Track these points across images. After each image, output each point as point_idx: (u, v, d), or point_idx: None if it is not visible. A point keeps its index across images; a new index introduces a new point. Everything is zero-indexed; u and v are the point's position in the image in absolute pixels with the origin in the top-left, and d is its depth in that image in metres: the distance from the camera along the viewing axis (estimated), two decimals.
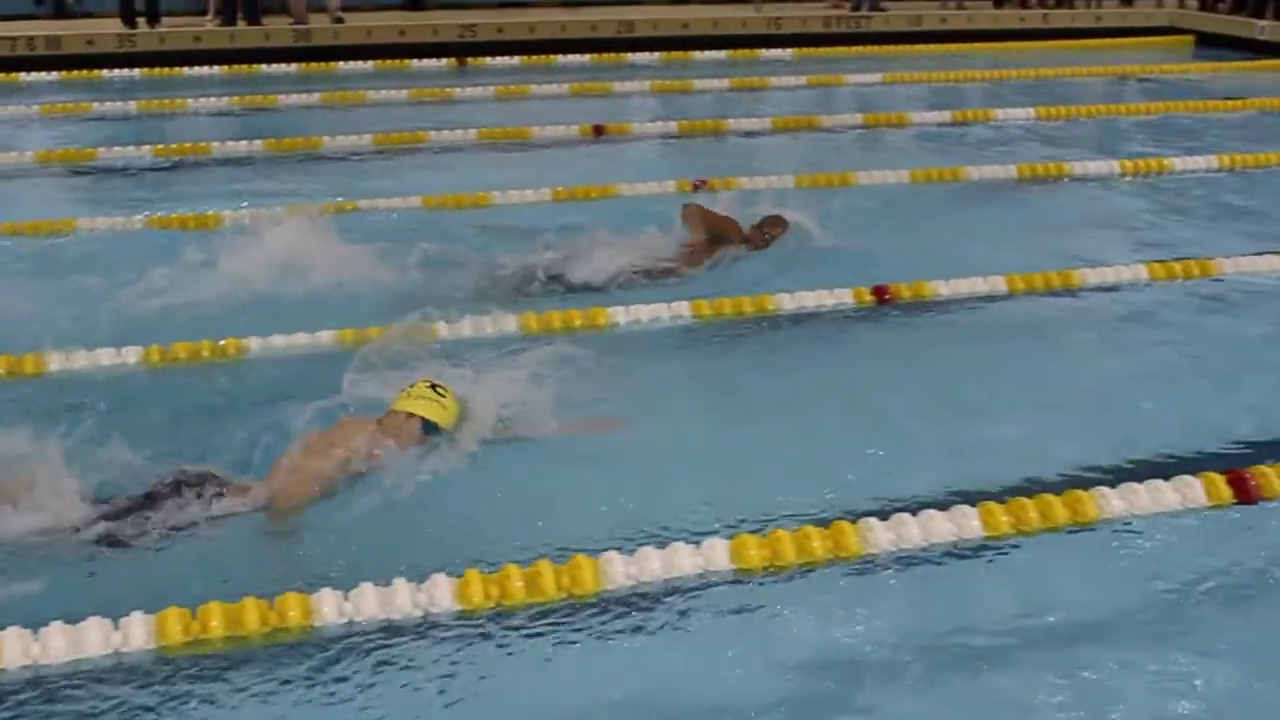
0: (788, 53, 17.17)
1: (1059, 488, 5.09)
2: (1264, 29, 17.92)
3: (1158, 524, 4.97)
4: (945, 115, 12.91)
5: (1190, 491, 5.09)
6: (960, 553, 4.73)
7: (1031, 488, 5.14)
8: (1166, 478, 5.13)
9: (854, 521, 4.74)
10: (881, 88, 14.99)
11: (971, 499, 4.94)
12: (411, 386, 5.39)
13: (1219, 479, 5.15)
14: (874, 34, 18.22)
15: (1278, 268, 8.11)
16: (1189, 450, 5.62)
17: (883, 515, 4.79)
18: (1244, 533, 5.00)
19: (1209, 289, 7.83)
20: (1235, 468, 5.24)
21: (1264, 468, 5.24)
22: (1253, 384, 6.42)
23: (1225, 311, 7.55)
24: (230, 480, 5.01)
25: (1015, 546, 4.81)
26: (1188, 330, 7.34)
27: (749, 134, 12.17)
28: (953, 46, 17.62)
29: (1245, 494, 5.13)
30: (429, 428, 5.28)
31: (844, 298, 7.37)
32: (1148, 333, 7.29)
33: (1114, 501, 4.98)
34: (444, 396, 5.36)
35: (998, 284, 7.61)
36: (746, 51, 17.12)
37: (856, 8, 18.82)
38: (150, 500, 4.87)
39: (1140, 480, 5.11)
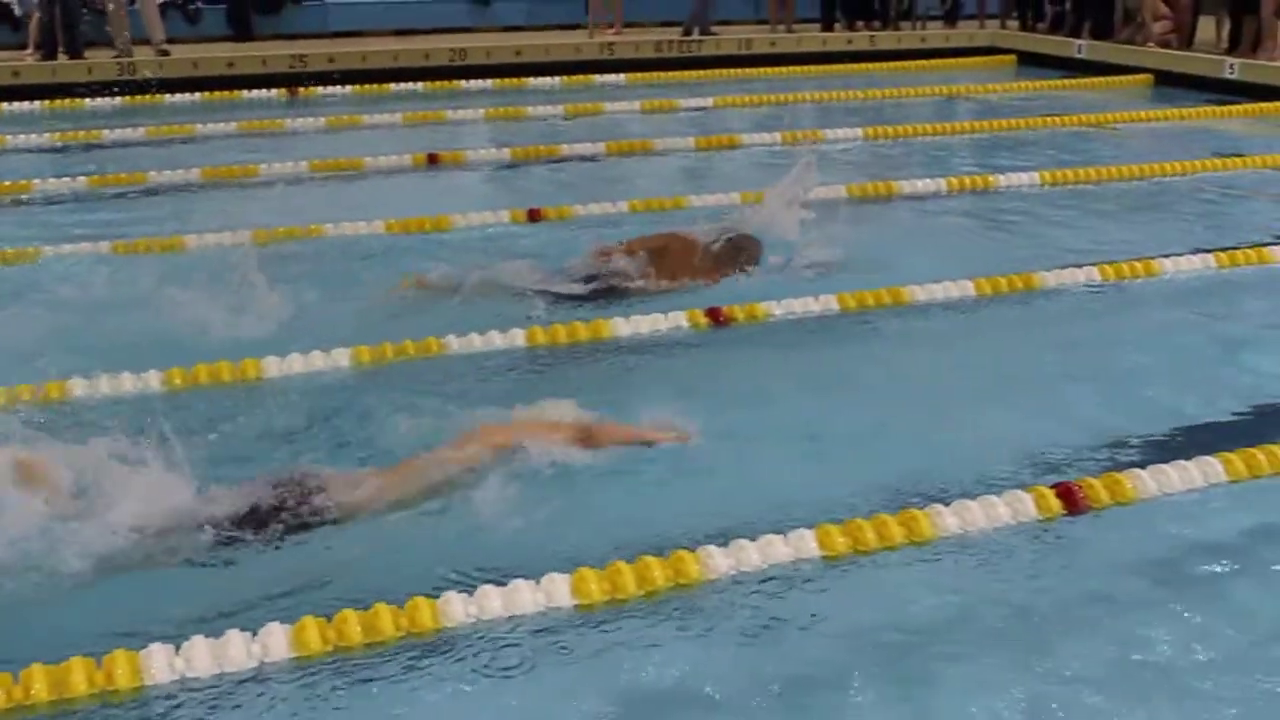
0: (621, 78, 17.24)
1: (894, 507, 5.15)
2: (1081, 48, 18.46)
3: (993, 539, 5.05)
4: (775, 137, 13.07)
5: (1021, 505, 5.18)
6: (799, 576, 4.75)
7: (869, 508, 5.18)
8: (999, 493, 5.23)
9: (693, 550, 4.73)
10: (713, 111, 15.14)
11: (808, 522, 4.96)
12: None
13: (1048, 492, 5.25)
14: (705, 58, 18.39)
15: (1097, 279, 8.32)
16: (1022, 464, 5.72)
17: (722, 541, 4.79)
18: (1075, 543, 5.10)
19: (1034, 302, 8.01)
20: (1064, 480, 5.36)
21: (1091, 479, 5.37)
22: (1079, 395, 6.56)
23: (1050, 324, 7.73)
24: (333, 478, 5.04)
25: (854, 567, 4.84)
26: (1014, 343, 7.49)
27: (583, 160, 12.19)
28: (783, 69, 17.86)
29: (1074, 505, 5.24)
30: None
31: (679, 321, 7.38)
32: (977, 348, 7.42)
33: (948, 519, 5.06)
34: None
35: (830, 303, 7.70)
36: (580, 77, 17.17)
37: (687, 32, 18.98)
38: (258, 502, 4.89)
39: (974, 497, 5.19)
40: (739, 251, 8.15)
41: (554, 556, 4.73)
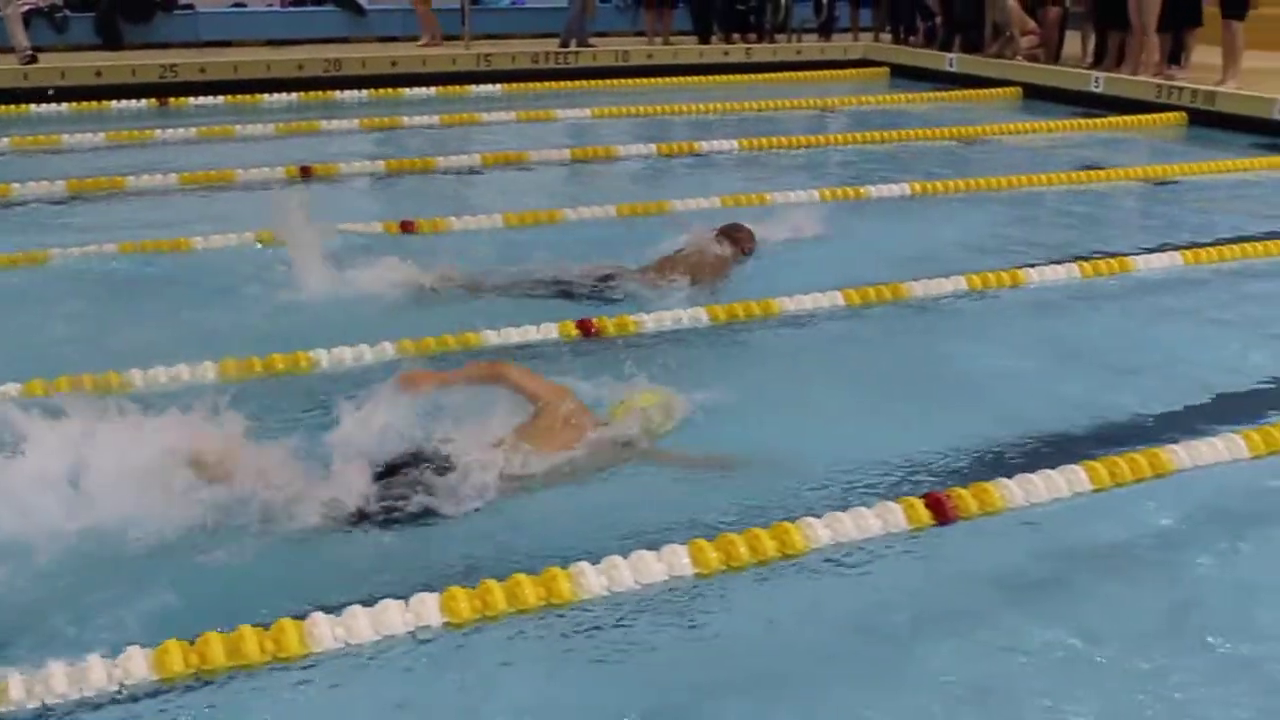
0: (497, 89, 17.19)
1: (766, 520, 5.17)
2: (952, 62, 18.74)
3: (866, 550, 5.09)
4: (651, 149, 13.10)
5: (891, 516, 5.23)
6: (673, 592, 4.74)
7: (745, 522, 5.19)
8: (869, 505, 5.28)
9: (565, 567, 4.70)
10: (590, 122, 15.15)
11: (683, 538, 4.95)
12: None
13: (918, 503, 5.30)
14: (582, 69, 18.40)
15: (964, 288, 8.44)
16: (895, 475, 5.77)
17: (594, 560, 4.77)
18: (946, 553, 5.16)
19: (904, 313, 8.10)
20: (933, 491, 5.41)
21: (960, 489, 5.43)
22: (948, 405, 6.62)
23: (920, 334, 7.81)
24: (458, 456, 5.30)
25: (729, 582, 4.84)
26: (884, 354, 7.55)
27: (459, 172, 12.13)
28: (659, 81, 17.92)
29: (943, 516, 5.29)
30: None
31: (550, 333, 7.35)
32: (848, 358, 7.48)
33: (820, 531, 5.08)
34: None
35: (699, 315, 7.71)
36: (456, 88, 17.08)
37: (564, 44, 18.98)
38: (393, 474, 5.19)
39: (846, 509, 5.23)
40: (738, 241, 8.73)
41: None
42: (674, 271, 8.28)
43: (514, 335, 7.25)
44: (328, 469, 5.19)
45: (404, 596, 4.48)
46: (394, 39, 20.06)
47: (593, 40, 19.41)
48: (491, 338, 7.20)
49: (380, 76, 17.30)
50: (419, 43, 19.22)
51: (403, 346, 7.01)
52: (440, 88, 17.01)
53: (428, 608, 4.47)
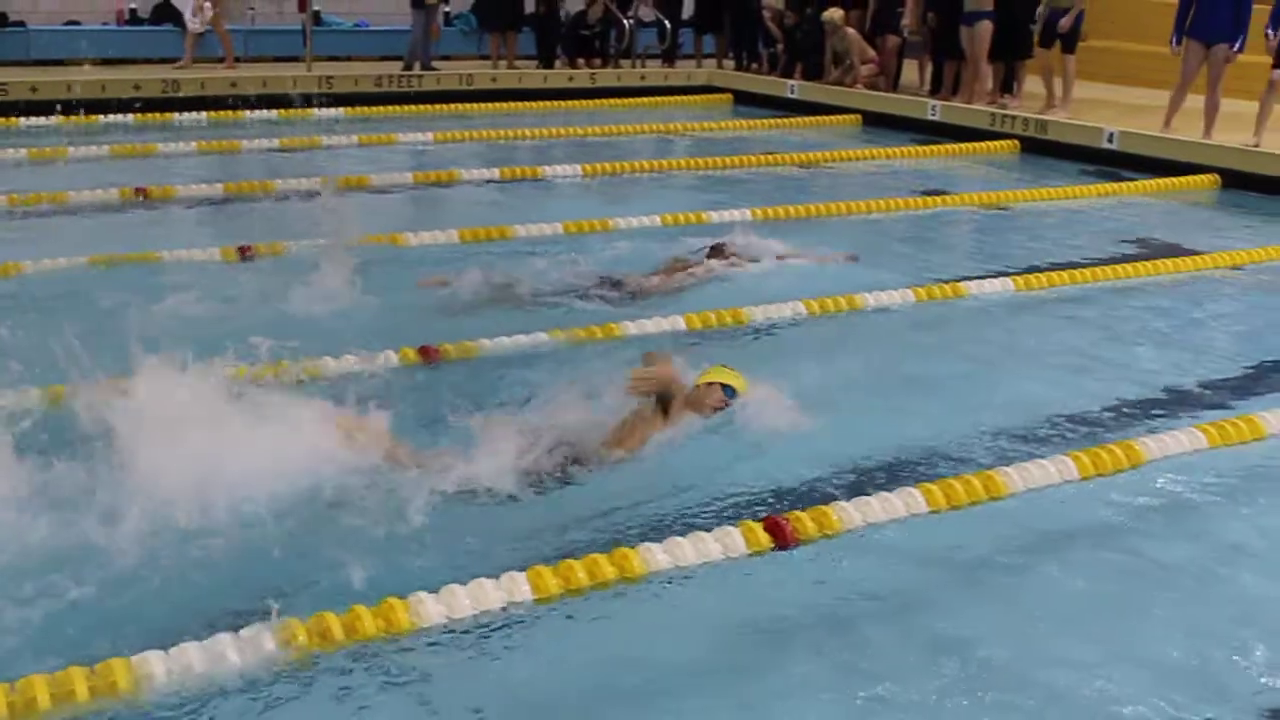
0: (339, 112, 17.01)
1: (606, 545, 5.17)
2: (794, 89, 19.01)
3: (707, 574, 5.11)
4: (495, 173, 13.07)
5: (731, 540, 5.26)
6: (511, 618, 4.71)
7: (582, 548, 5.18)
8: (709, 529, 5.30)
9: (403, 598, 4.65)
10: (433, 147, 15.06)
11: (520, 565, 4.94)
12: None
13: (756, 526, 5.34)
14: (426, 93, 18.27)
15: (804, 313, 8.54)
16: (729, 503, 5.81)
17: (433, 589, 4.72)
18: (785, 575, 5.20)
19: (741, 337, 8.16)
20: (772, 515, 5.46)
21: (799, 512, 5.49)
22: (789, 430, 6.66)
23: (761, 359, 7.79)
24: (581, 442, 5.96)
25: (570, 607, 4.83)
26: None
27: (299, 195, 11.94)
28: (504, 105, 17.88)
29: (782, 539, 5.34)
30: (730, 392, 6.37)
31: (390, 359, 7.24)
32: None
33: (659, 555, 5.09)
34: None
35: (540, 339, 7.69)
36: (297, 111, 16.83)
37: (408, 67, 18.84)
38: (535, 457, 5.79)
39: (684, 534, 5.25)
40: (718, 253, 9.54)
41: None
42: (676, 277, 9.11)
43: (353, 364, 7.13)
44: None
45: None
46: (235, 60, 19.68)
47: (436, 64, 19.32)
48: (332, 366, 7.08)
49: (219, 98, 17.00)
50: (223, 64, 18.79)
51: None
52: (281, 110, 16.76)
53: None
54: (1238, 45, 14.55)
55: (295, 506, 5.18)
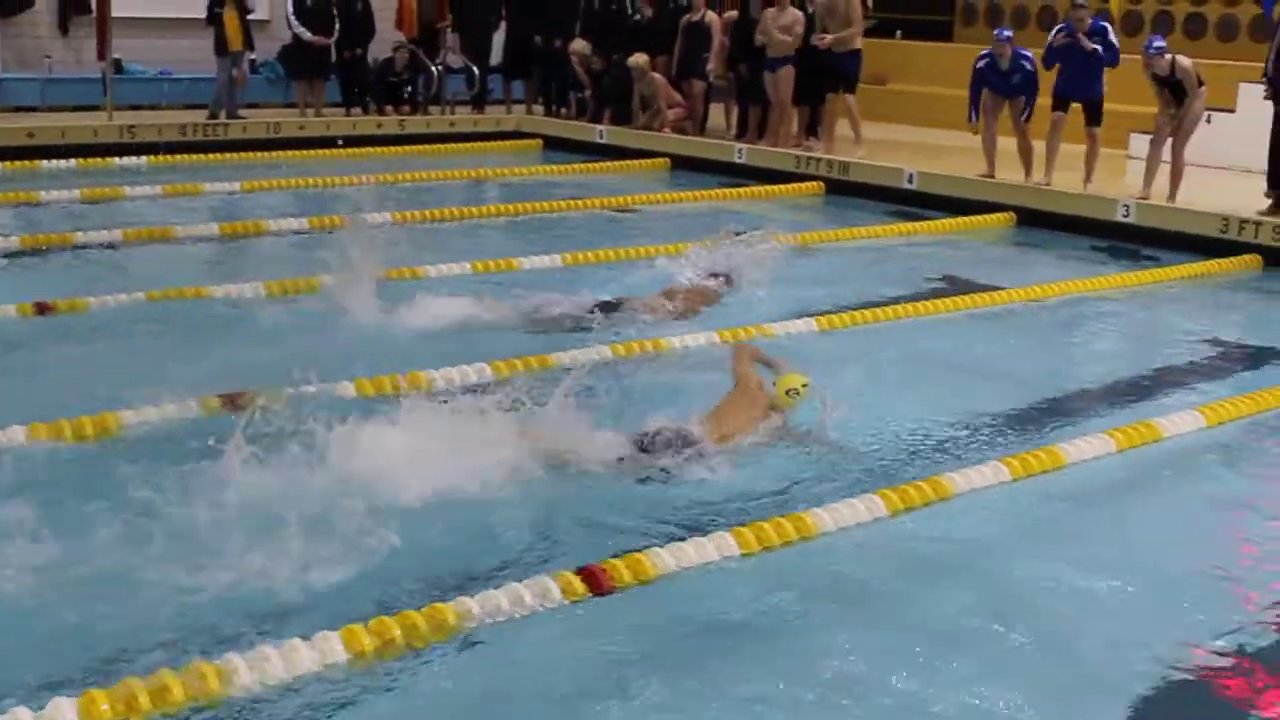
0: (142, 161, 16.66)
1: (421, 600, 5.15)
2: (602, 133, 19.18)
3: (525, 625, 5.13)
4: (304, 222, 12.93)
5: (547, 590, 5.28)
6: (326, 679, 4.66)
7: (397, 604, 5.17)
8: (520, 580, 5.32)
9: (215, 661, 4.57)
10: (240, 196, 14.84)
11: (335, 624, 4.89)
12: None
13: (573, 576, 5.38)
14: (232, 141, 17.99)
15: (609, 357, 8.59)
16: (551, 549, 5.85)
17: (244, 649, 4.65)
18: (601, 623, 5.24)
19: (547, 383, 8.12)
20: (588, 564, 5.50)
21: (614, 560, 5.54)
22: (607, 476, 6.70)
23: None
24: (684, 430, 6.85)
25: (385, 665, 4.80)
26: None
27: (100, 247, 11.69)
28: (311, 153, 17.69)
29: (598, 587, 5.38)
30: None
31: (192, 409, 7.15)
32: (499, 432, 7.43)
33: (474, 608, 5.09)
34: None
35: (348, 388, 7.55)
36: (98, 160, 16.44)
37: (213, 115, 18.53)
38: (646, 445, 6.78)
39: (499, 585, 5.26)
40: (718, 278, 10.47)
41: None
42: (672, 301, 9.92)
43: (152, 414, 7.04)
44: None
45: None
46: (31, 109, 19.14)
47: (243, 111, 19.05)
48: (131, 417, 6.98)
49: (16, 148, 16.49)
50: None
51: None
52: (81, 159, 16.34)
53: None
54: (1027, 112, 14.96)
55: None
